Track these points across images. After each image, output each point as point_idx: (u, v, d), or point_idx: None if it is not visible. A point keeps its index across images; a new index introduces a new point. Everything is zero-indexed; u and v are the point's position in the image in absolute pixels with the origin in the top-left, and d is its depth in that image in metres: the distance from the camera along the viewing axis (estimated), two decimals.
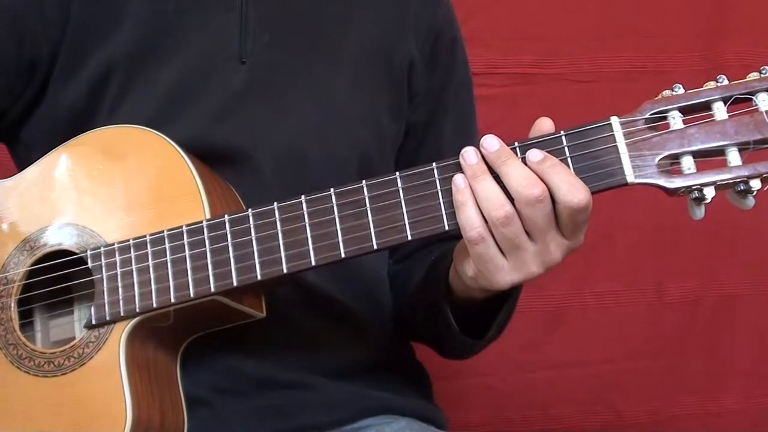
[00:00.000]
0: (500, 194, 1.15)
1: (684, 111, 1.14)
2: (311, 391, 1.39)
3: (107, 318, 1.25)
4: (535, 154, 1.15)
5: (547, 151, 1.15)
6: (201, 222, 1.24)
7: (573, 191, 1.13)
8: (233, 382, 1.35)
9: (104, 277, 1.26)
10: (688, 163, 1.12)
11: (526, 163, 1.15)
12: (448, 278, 1.33)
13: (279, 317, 1.32)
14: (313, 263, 1.20)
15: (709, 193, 1.11)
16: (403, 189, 1.19)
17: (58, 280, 1.32)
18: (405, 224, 1.19)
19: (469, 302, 1.32)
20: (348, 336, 1.45)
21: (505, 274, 1.18)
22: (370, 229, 1.19)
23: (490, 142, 1.16)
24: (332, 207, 1.21)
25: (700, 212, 1.13)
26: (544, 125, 1.18)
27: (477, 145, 1.18)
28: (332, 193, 1.21)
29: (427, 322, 1.41)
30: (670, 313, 2.28)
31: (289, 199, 1.22)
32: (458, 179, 1.17)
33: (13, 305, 1.30)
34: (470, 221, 1.16)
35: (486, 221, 1.15)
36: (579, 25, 2.29)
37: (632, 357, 2.27)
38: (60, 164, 1.34)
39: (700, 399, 2.29)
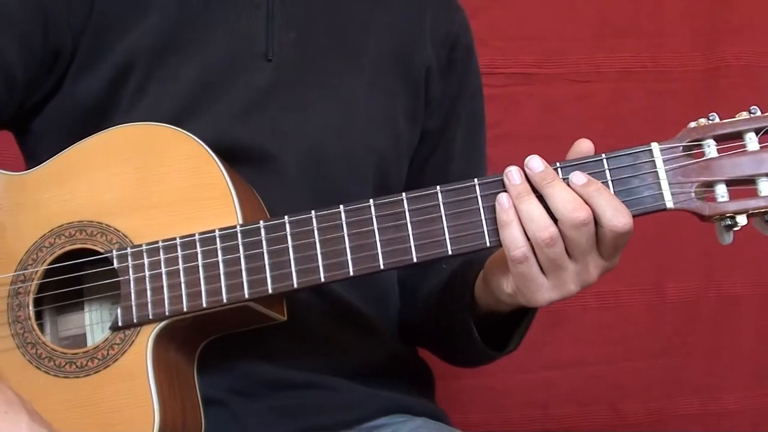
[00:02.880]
0: (545, 215, 1.15)
1: (718, 139, 1.17)
2: (327, 390, 1.39)
3: (134, 320, 1.23)
4: (579, 177, 1.16)
5: (589, 174, 1.16)
6: (235, 227, 1.22)
7: (618, 216, 1.14)
8: (249, 384, 1.35)
9: (131, 278, 1.24)
10: (721, 191, 1.15)
11: (569, 185, 1.16)
12: (474, 289, 1.33)
13: (295, 320, 1.31)
14: (351, 273, 1.20)
15: (741, 220, 1.15)
16: (444, 204, 1.19)
17: (70, 278, 1.29)
18: (446, 239, 1.19)
19: (492, 315, 1.32)
20: (361, 338, 1.45)
21: (544, 292, 1.18)
22: (410, 242, 1.19)
23: (535, 163, 1.17)
24: (371, 218, 1.20)
25: (729, 238, 1.16)
26: (584, 146, 1.19)
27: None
28: (371, 204, 1.20)
29: (442, 330, 1.42)
30: (670, 313, 2.29)
31: (326, 208, 1.22)
32: (503, 198, 1.17)
33: (30, 304, 1.28)
34: (515, 241, 1.16)
35: (529, 240, 1.16)
36: (579, 25, 2.29)
37: (632, 357, 2.29)
38: (83, 160, 1.30)
39: (700, 399, 2.31)
